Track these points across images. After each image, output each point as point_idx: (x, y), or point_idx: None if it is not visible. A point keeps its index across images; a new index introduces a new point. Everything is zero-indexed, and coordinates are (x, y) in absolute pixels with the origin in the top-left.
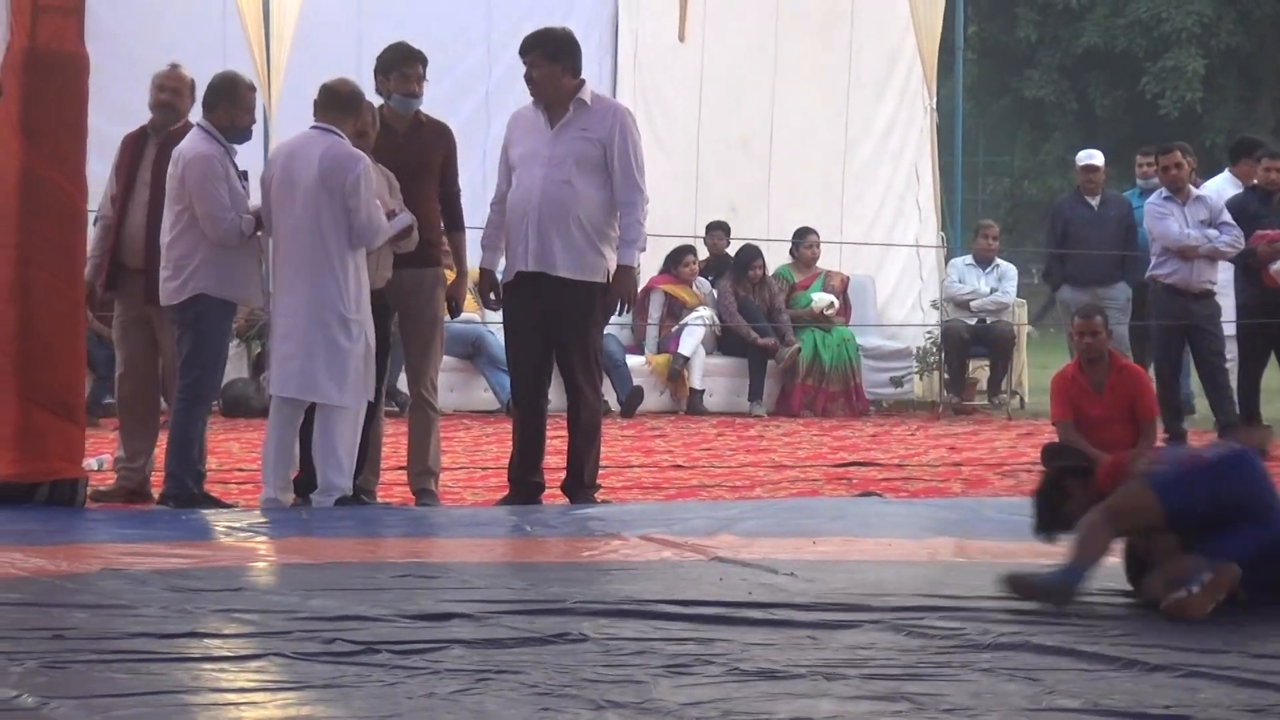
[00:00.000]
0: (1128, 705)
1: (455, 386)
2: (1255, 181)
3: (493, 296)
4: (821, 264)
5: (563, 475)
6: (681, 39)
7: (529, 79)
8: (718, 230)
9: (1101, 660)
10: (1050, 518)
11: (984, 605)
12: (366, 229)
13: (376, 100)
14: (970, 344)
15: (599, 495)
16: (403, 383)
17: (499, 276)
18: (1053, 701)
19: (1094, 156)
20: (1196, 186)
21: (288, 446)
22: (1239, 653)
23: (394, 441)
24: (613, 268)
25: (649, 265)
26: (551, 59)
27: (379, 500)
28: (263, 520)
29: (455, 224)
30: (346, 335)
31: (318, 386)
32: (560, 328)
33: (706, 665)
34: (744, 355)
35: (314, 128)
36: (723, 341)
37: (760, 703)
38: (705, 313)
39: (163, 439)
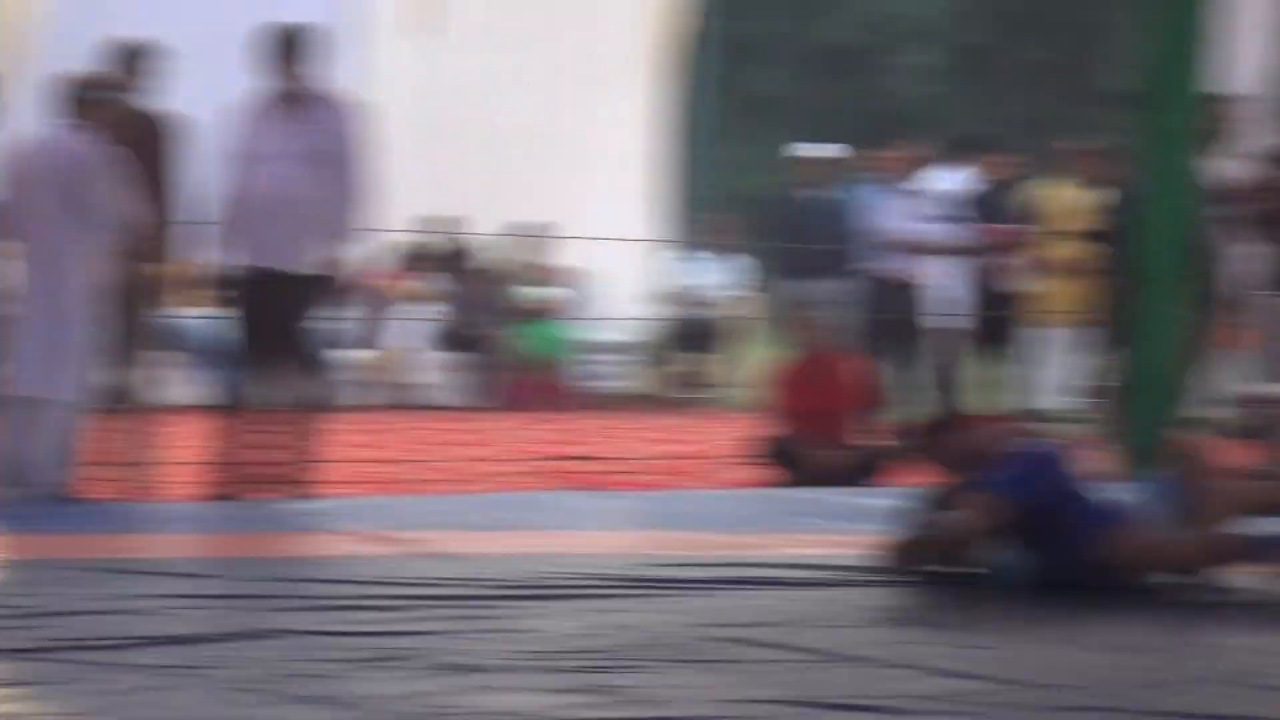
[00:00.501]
0: (830, 696)
1: (174, 381)
2: (985, 176)
3: (221, 291)
4: (547, 257)
5: (275, 469)
6: (418, 30)
7: (278, 74)
8: (447, 224)
9: (804, 651)
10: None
11: (689, 598)
12: (113, 217)
13: (110, 95)
14: (693, 337)
15: (313, 489)
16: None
17: (228, 271)
18: (753, 693)
19: (819, 149)
20: (923, 180)
21: (17, 446)
22: (927, 643)
23: (101, 437)
24: (337, 260)
25: (378, 259)
26: (295, 55)
27: (80, 496)
28: None
29: (175, 218)
30: (75, 330)
31: (42, 382)
32: (281, 319)
33: (405, 659)
34: (468, 350)
35: (54, 123)
36: (448, 336)
37: (456, 695)
38: (431, 308)
39: None
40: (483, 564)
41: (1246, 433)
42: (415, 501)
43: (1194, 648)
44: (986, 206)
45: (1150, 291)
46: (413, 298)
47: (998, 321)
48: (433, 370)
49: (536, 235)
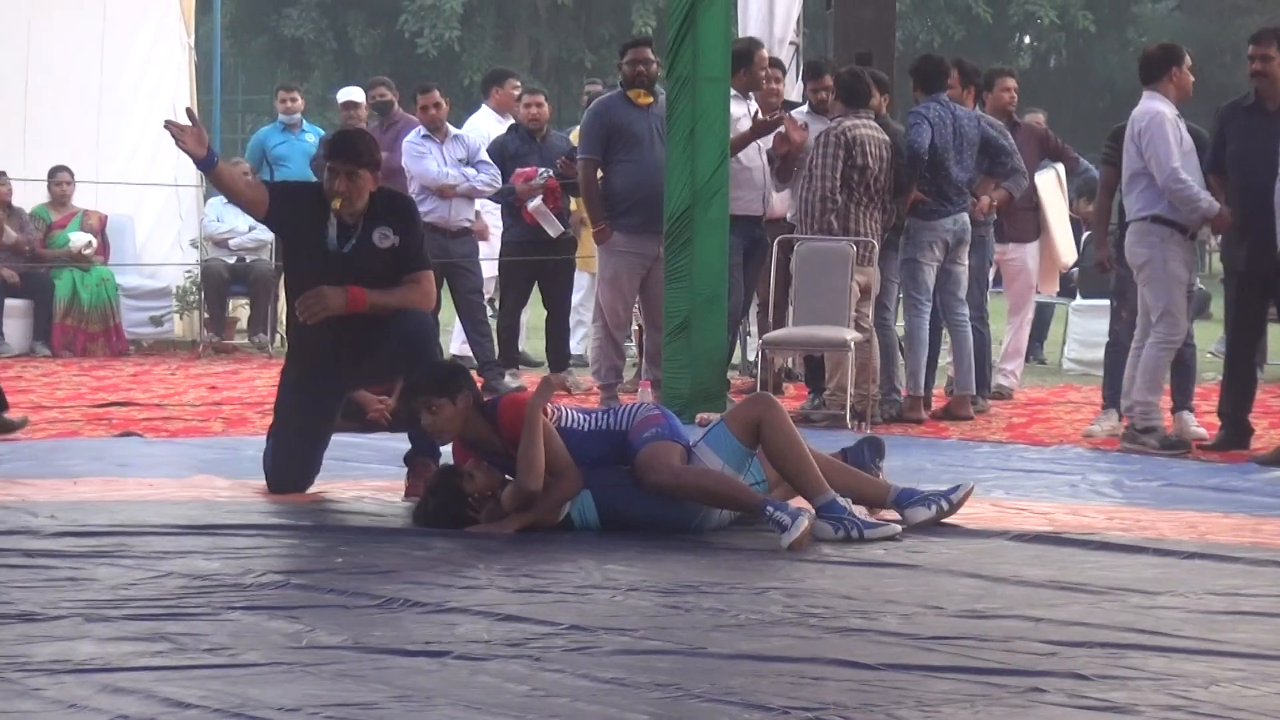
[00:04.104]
0: (388, 642)
1: None
2: (513, 119)
3: None
4: (78, 203)
5: None
6: None
7: None
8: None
9: (362, 597)
10: (458, 505)
11: (245, 544)
12: None
13: None
14: (230, 283)
15: None
16: None
17: None
18: (314, 639)
19: (354, 93)
20: (453, 124)
21: None
22: (496, 588)
23: None
24: None
25: None
26: None
27: None
28: None
29: None
30: None
31: None
32: None
33: None
34: (10, 296)
35: None
36: None
37: (19, 645)
38: None
39: None
40: (30, 511)
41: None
42: None
43: (765, 591)
44: (517, 149)
45: (689, 234)
46: None
47: (538, 265)
48: None
49: (59, 179)
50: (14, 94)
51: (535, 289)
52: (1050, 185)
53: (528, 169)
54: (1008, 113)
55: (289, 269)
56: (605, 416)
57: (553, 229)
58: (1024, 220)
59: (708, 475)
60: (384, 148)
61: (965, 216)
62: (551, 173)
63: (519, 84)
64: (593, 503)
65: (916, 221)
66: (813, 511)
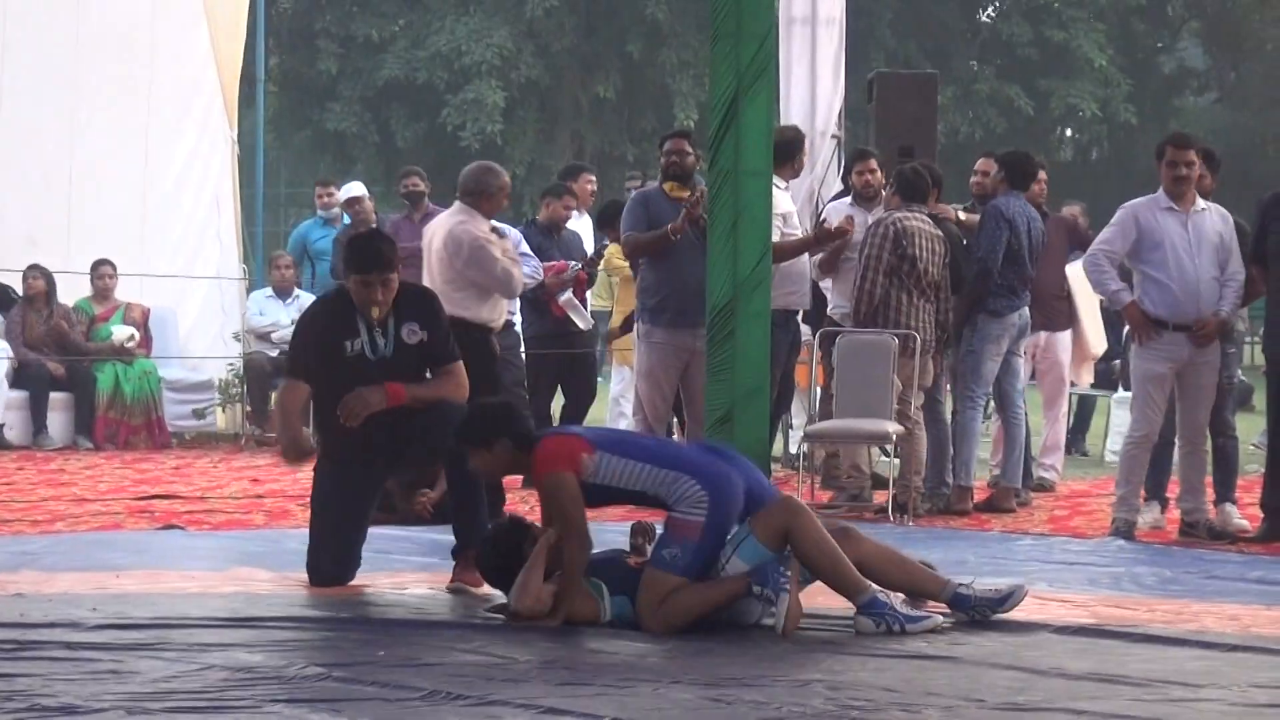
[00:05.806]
0: None
1: None
2: (539, 217)
3: None
4: (122, 296)
5: None
6: None
7: None
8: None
9: (404, 690)
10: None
11: (287, 637)
12: None
13: None
14: (272, 375)
15: None
16: None
17: None
18: None
19: (356, 188)
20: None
21: None
22: (539, 680)
23: None
24: None
25: None
26: None
27: None
28: None
29: None
30: None
31: None
32: None
33: (7, 701)
34: (50, 389)
35: None
36: (20, 375)
37: None
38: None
39: None
40: (73, 604)
41: (812, 468)
42: (6, 541)
43: (807, 683)
44: (541, 243)
45: (731, 326)
46: None
47: (564, 358)
48: (10, 409)
49: (101, 272)
50: (59, 187)
51: None
52: (1080, 276)
53: (557, 263)
54: (1038, 204)
55: (319, 378)
56: (652, 475)
57: (582, 321)
58: (1056, 309)
59: (686, 598)
60: (415, 238)
61: (1027, 310)
62: (581, 266)
63: (593, 178)
64: (630, 607)
65: (986, 317)
66: (791, 589)
